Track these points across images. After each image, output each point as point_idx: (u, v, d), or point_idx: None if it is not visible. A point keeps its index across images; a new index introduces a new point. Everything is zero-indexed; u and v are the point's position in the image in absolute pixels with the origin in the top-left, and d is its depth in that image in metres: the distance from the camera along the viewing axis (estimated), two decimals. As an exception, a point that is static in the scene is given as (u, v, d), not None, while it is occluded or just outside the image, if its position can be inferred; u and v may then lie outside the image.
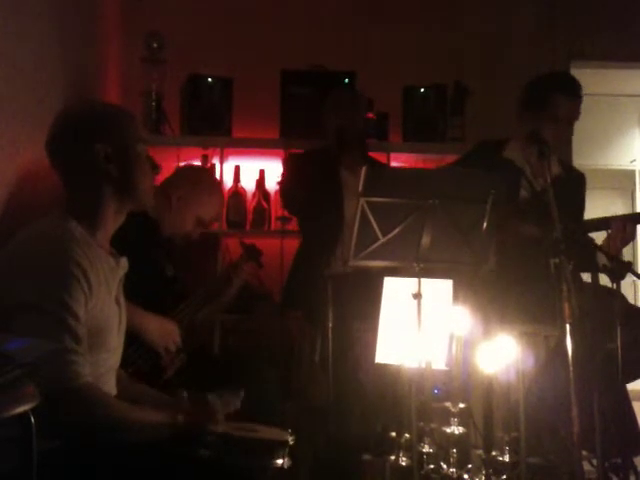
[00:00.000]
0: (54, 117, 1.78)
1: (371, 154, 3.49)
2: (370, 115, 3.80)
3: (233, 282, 2.72)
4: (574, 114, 2.90)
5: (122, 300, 1.82)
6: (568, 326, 2.20)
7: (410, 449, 2.26)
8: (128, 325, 1.89)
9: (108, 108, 1.84)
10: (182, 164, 3.63)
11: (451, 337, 2.35)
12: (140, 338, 2.29)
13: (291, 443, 1.73)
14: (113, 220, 1.77)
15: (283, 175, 3.42)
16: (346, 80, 3.76)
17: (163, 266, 2.58)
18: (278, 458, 1.69)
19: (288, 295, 3.32)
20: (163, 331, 2.36)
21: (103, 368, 1.71)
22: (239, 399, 1.85)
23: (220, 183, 3.29)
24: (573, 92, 2.90)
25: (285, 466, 1.69)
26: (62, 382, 1.52)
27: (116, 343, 1.78)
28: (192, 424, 1.65)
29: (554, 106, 2.87)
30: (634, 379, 2.81)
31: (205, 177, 2.83)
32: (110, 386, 1.76)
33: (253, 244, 2.85)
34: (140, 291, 2.16)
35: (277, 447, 1.71)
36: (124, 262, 1.82)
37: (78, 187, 1.75)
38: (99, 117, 1.76)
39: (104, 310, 1.69)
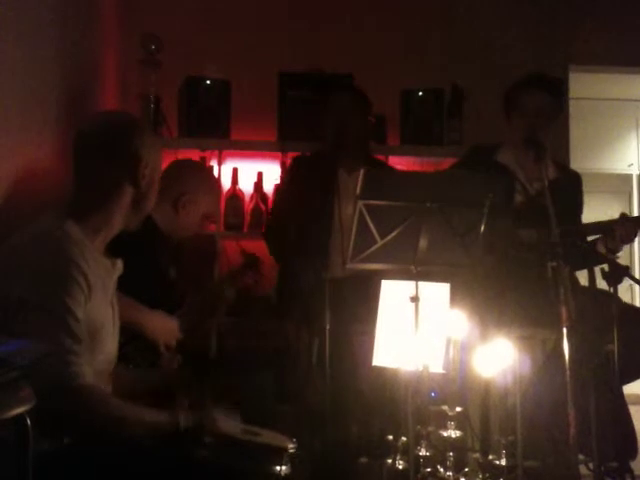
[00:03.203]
0: (104, 112, 1.82)
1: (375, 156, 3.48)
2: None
3: (232, 287, 2.73)
4: (535, 105, 2.94)
5: (115, 302, 1.83)
6: (565, 329, 2.21)
7: (407, 452, 2.26)
8: (129, 321, 1.89)
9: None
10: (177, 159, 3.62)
11: (448, 340, 2.35)
12: (140, 334, 2.29)
13: (291, 451, 1.70)
14: (115, 228, 1.79)
15: (278, 186, 3.40)
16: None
17: (166, 268, 2.58)
18: (278, 465, 1.65)
19: (284, 297, 3.32)
20: (165, 328, 2.37)
21: (100, 368, 1.71)
22: (238, 417, 1.86)
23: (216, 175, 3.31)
24: (530, 85, 2.98)
25: (283, 474, 1.65)
26: (62, 382, 1.53)
27: (111, 345, 1.79)
28: (192, 424, 1.65)
29: (519, 105, 2.96)
30: (630, 380, 2.81)
31: (204, 174, 2.84)
32: (106, 385, 1.76)
33: (253, 253, 2.86)
34: (142, 293, 2.16)
35: (278, 453, 1.67)
36: (120, 264, 1.82)
37: (97, 188, 1.75)
38: (155, 135, 1.81)
39: (100, 312, 1.70)
